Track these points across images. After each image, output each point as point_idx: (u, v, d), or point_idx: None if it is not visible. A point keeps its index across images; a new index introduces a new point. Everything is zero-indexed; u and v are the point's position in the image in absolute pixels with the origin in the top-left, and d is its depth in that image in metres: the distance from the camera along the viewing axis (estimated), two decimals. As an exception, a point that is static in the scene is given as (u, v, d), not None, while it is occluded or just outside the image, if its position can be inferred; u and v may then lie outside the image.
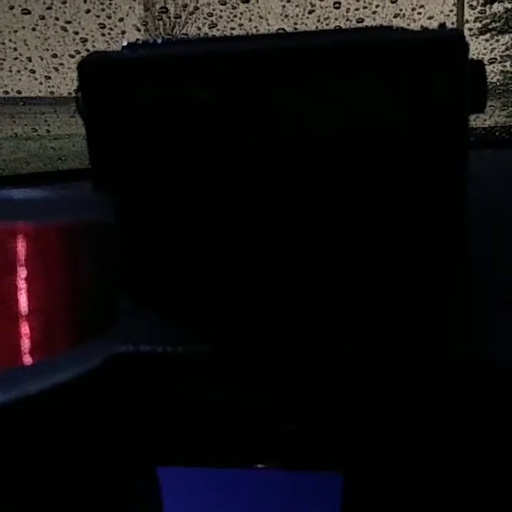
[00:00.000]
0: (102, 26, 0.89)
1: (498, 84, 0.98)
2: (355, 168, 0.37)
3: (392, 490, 0.34)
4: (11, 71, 0.95)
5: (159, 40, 0.42)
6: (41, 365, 0.21)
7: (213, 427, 0.35)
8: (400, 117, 0.36)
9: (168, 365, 0.34)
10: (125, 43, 0.41)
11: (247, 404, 0.35)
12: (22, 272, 0.21)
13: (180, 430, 0.35)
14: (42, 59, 0.93)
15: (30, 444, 0.26)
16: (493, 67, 0.92)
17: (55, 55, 0.91)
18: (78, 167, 0.73)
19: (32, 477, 0.26)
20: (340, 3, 0.96)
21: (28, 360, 0.21)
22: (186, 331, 0.36)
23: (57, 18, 0.93)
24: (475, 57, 0.39)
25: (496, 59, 0.91)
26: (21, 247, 0.21)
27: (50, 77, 0.93)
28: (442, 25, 0.41)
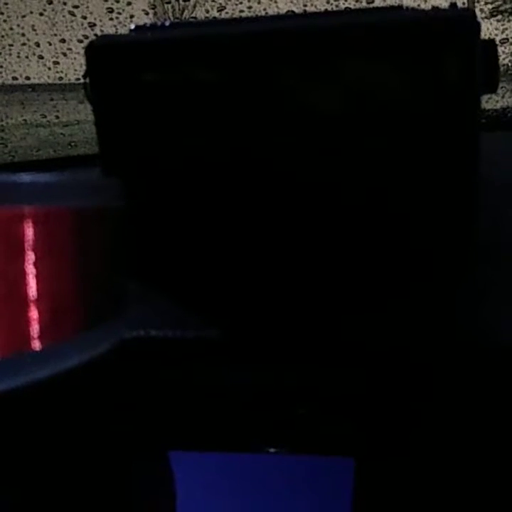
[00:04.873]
0: (110, 10, 0.88)
1: (510, 65, 0.97)
2: (363, 151, 0.37)
3: (404, 474, 0.34)
4: (19, 57, 0.95)
5: (167, 23, 0.42)
6: (49, 350, 0.21)
7: (224, 411, 0.35)
8: (410, 98, 0.36)
9: (179, 350, 0.34)
10: (133, 26, 0.41)
11: (257, 389, 0.35)
12: (30, 257, 0.21)
13: (191, 415, 0.35)
14: (50, 44, 0.93)
15: (39, 430, 0.26)
16: (505, 48, 0.91)
17: (63, 40, 0.91)
18: (88, 153, 0.73)
19: (40, 463, 0.26)
20: (349, -16, 0.95)
21: (36, 345, 0.21)
22: (196, 315, 0.36)
23: (64, 3, 0.92)
24: (486, 37, 0.38)
25: (507, 40, 0.90)
26: (29, 232, 0.21)
27: (58, 63, 0.93)
28: (453, 4, 0.41)
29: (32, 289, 0.21)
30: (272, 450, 0.36)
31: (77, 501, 0.27)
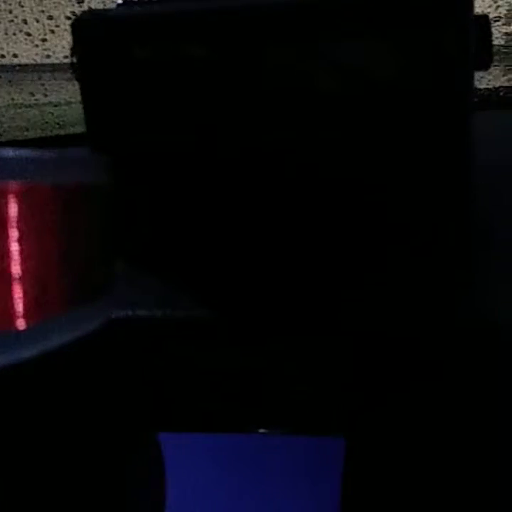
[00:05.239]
0: (98, -15, 0.87)
1: (503, 43, 0.97)
2: (355, 127, 0.36)
3: (395, 454, 0.34)
4: (6, 34, 0.94)
5: (155, -3, 0.41)
6: (34, 329, 0.21)
7: (214, 391, 0.35)
8: (402, 74, 0.35)
9: (168, 329, 0.34)
10: (120, 1, 0.40)
11: (248, 369, 0.35)
12: (14, 234, 0.21)
13: (180, 396, 0.35)
14: (37, 21, 0.92)
15: (23, 411, 0.26)
16: (497, 28, 0.90)
17: (50, 17, 0.90)
18: (77, 132, 0.72)
19: (26, 446, 0.26)
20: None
21: (21, 324, 0.21)
22: (186, 295, 0.35)
23: (52, -21, 0.91)
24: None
25: (500, 18, 0.89)
26: (13, 208, 0.21)
27: (46, 40, 0.92)
28: None
29: (16, 266, 0.21)
30: (262, 431, 0.36)
31: (64, 485, 0.27)
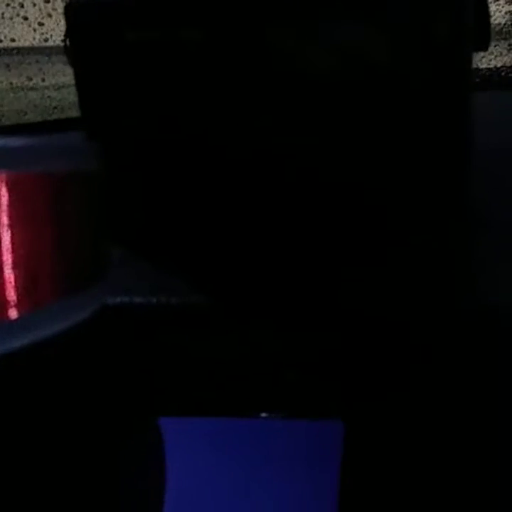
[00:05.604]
0: (96, -31, 0.86)
1: (504, 24, 0.96)
2: (353, 111, 0.36)
3: (394, 437, 0.35)
4: (3, 18, 0.94)
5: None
6: (26, 318, 0.21)
7: (213, 376, 0.35)
8: (398, 57, 0.35)
9: (163, 316, 0.34)
10: (114, -16, 0.40)
11: (246, 354, 0.35)
12: (5, 222, 0.21)
13: (179, 381, 0.35)
14: (34, 5, 0.91)
15: (18, 401, 0.26)
16: (500, 6, 0.89)
17: (47, 1, 0.90)
18: (74, 116, 0.72)
19: (23, 436, 0.26)
20: None
21: (13, 313, 0.21)
22: (181, 281, 0.35)
23: (49, -40, 0.90)
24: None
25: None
26: (4, 196, 0.20)
27: (43, 24, 0.92)
28: None
29: (7, 255, 0.21)
30: (261, 415, 0.36)
31: (62, 475, 0.27)
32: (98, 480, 0.29)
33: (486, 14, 0.37)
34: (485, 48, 0.38)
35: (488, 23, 0.38)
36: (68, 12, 0.37)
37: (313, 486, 0.37)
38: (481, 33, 0.37)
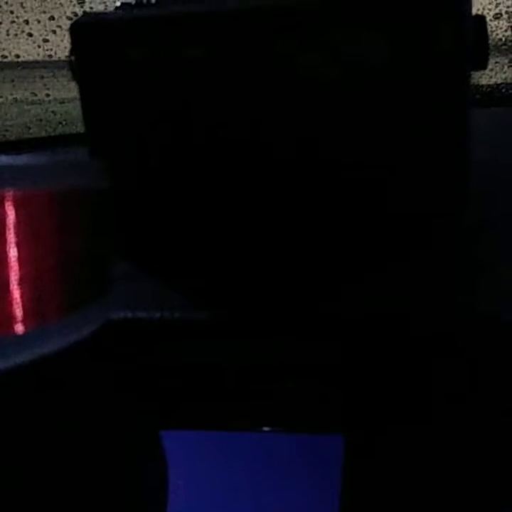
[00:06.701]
0: (100, -14, 0.87)
1: (505, 40, 0.96)
2: (354, 122, 0.36)
3: (393, 451, 0.35)
4: (8, 35, 0.94)
5: (153, 0, 0.41)
6: (32, 334, 0.21)
7: (214, 390, 0.35)
8: (399, 69, 0.35)
9: (167, 331, 0.34)
10: (118, 3, 0.40)
11: (246, 367, 0.35)
12: (12, 240, 0.21)
13: (181, 394, 0.35)
14: (39, 22, 0.92)
15: (23, 416, 0.26)
16: (499, 23, 0.89)
17: (52, 18, 0.90)
18: (79, 132, 0.73)
19: (27, 450, 0.26)
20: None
21: (20, 328, 0.21)
22: (184, 296, 0.36)
23: (53, -20, 0.91)
24: (479, 11, 0.38)
25: (500, 15, 0.88)
26: (11, 215, 0.21)
27: (47, 40, 0.92)
28: None
29: (14, 272, 0.21)
30: (261, 428, 0.36)
31: (65, 489, 0.27)
32: (101, 494, 0.29)
33: (485, 32, 0.38)
34: (484, 66, 0.38)
35: (487, 43, 0.38)
36: (74, 30, 0.37)
37: (313, 500, 0.37)
38: (480, 51, 0.37)
